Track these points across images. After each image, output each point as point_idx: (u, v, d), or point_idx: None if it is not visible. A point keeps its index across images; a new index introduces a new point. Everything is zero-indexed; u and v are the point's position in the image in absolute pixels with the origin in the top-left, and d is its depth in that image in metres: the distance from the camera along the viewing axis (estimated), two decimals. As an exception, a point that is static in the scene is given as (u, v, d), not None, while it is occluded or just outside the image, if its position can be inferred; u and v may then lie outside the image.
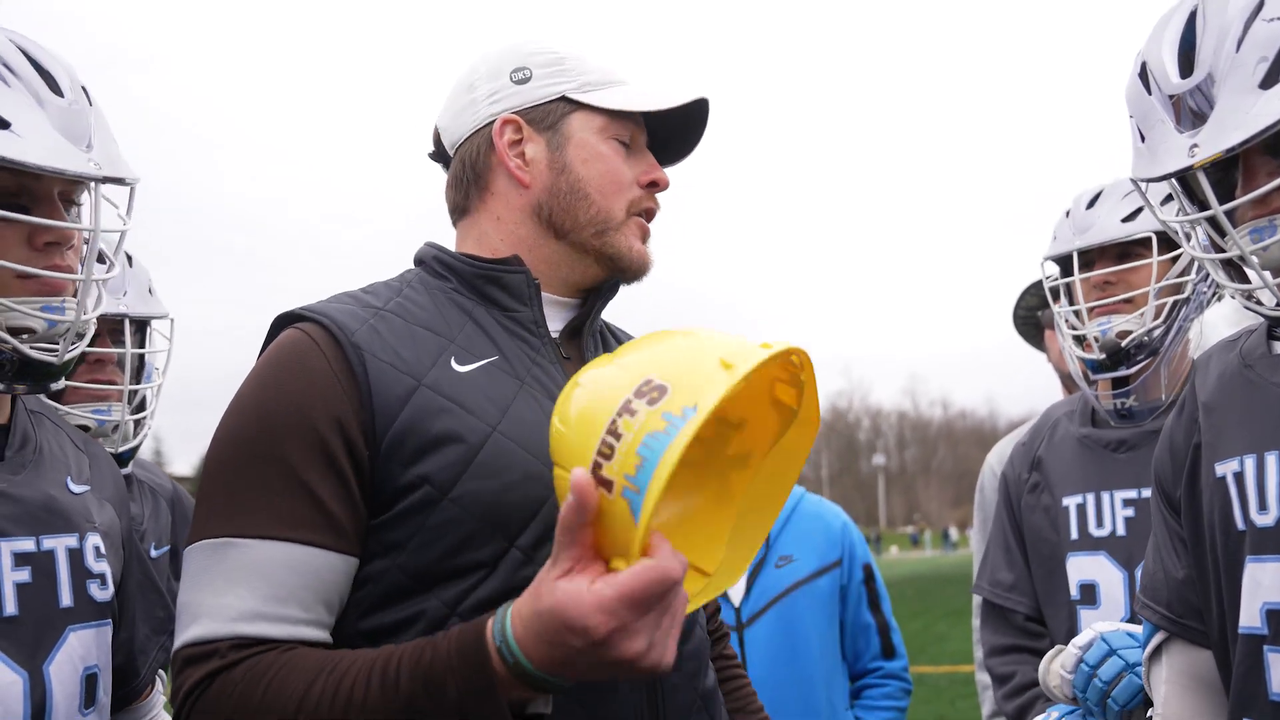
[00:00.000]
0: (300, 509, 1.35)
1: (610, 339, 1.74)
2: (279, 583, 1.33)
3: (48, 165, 1.45)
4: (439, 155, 1.72)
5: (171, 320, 2.54)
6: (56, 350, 1.53)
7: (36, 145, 1.46)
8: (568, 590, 1.16)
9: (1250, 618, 1.38)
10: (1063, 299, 2.43)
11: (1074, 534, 2.36)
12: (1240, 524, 1.40)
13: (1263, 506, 1.36)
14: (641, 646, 1.16)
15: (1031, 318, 3.58)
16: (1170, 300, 2.29)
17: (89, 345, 1.62)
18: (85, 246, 1.55)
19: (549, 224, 1.59)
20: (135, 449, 2.44)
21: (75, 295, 1.54)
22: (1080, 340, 2.37)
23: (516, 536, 1.40)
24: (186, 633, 1.33)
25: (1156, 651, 1.62)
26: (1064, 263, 2.45)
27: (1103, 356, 2.31)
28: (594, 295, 1.65)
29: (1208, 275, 2.12)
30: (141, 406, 2.46)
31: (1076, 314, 2.39)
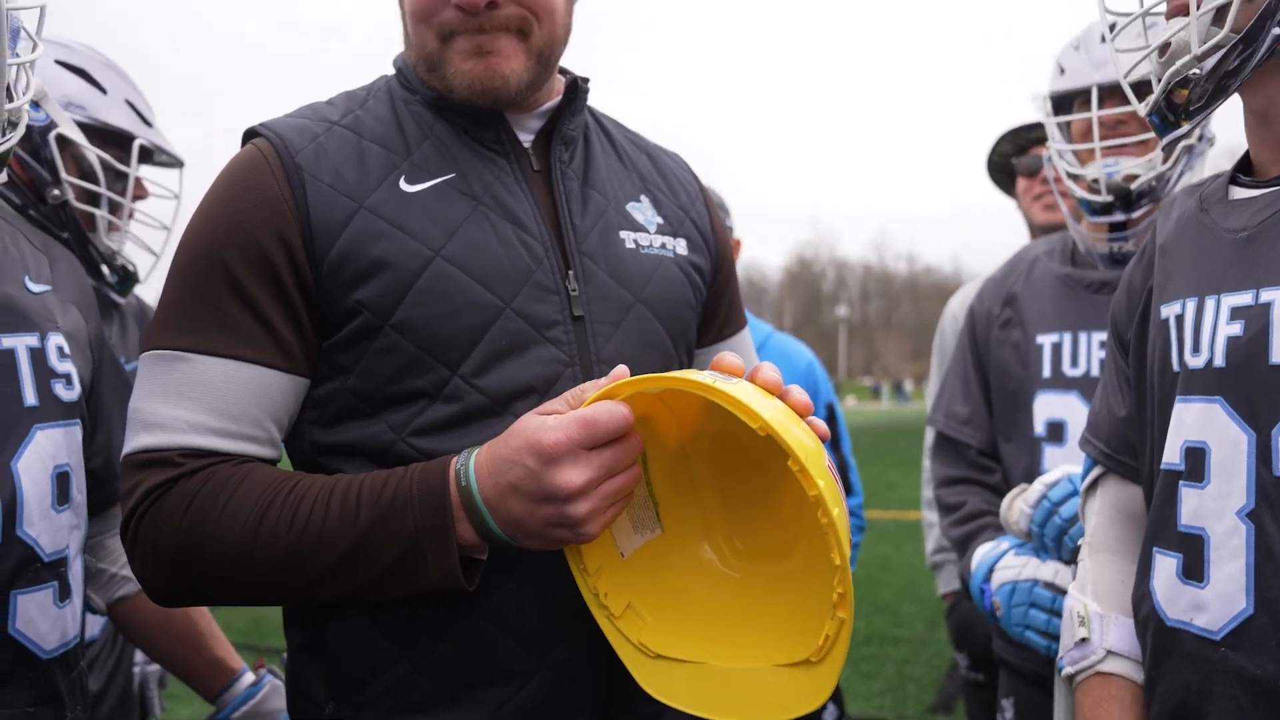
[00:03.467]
0: (248, 327, 1.35)
1: (600, 147, 1.63)
2: (229, 399, 1.34)
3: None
4: None
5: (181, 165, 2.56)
6: None
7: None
8: (532, 413, 1.27)
9: (1171, 454, 1.42)
10: (1059, 136, 2.37)
11: (1046, 372, 2.36)
12: (1175, 365, 1.43)
13: (1196, 349, 1.39)
14: (579, 481, 1.21)
15: (1005, 164, 3.55)
16: (1181, 144, 2.24)
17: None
18: None
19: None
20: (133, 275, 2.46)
21: None
22: (1076, 180, 2.32)
23: (458, 364, 1.38)
24: (137, 439, 1.35)
25: (1092, 485, 1.70)
26: (1069, 100, 2.39)
27: (1109, 198, 2.26)
28: (561, 101, 1.55)
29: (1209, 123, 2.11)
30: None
31: (1078, 154, 2.32)
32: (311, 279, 1.37)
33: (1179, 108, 1.43)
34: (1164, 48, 1.44)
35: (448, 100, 1.49)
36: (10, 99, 1.50)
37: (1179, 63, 1.40)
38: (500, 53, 1.43)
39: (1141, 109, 1.49)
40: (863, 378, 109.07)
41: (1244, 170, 1.51)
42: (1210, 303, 1.39)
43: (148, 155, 2.44)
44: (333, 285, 1.37)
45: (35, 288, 1.61)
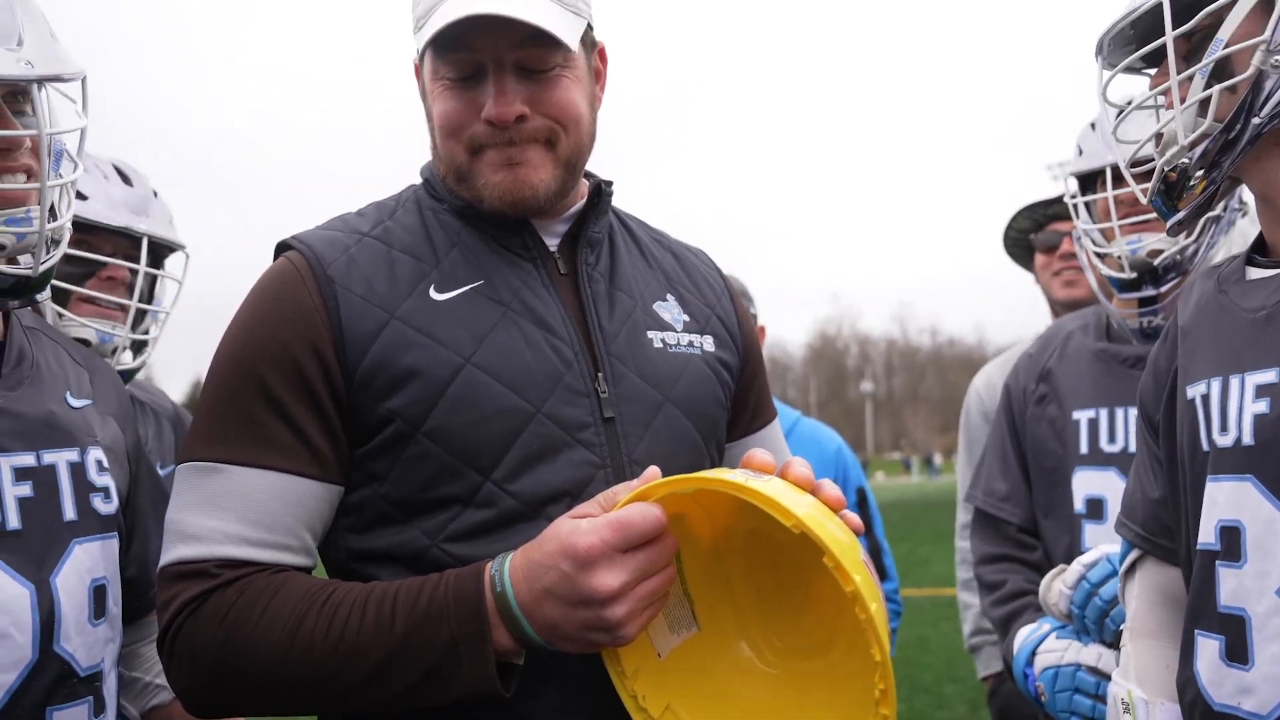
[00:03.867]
0: (282, 437, 1.37)
1: (625, 247, 1.65)
2: (263, 509, 1.36)
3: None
4: None
5: (187, 255, 2.52)
6: (31, 262, 1.50)
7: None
8: (565, 516, 1.29)
9: (1206, 534, 1.42)
10: (1084, 215, 2.39)
11: (1083, 448, 2.34)
12: (1205, 445, 1.44)
13: (1224, 428, 1.40)
14: (615, 584, 1.21)
15: (1023, 240, 3.56)
16: (1202, 219, 2.23)
17: (109, 257, 1.58)
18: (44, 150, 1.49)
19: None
20: (133, 371, 2.43)
21: (39, 202, 1.50)
22: (1103, 258, 2.33)
23: (491, 470, 1.39)
24: (174, 550, 1.36)
25: (1131, 568, 1.68)
26: (1091, 179, 2.41)
27: (1133, 275, 2.27)
28: (585, 204, 1.58)
29: (1237, 194, 2.12)
30: (144, 331, 2.44)
31: (1103, 231, 2.33)
32: (344, 389, 1.39)
33: (1175, 192, 1.48)
34: (1158, 137, 1.50)
35: (476, 209, 1.52)
36: (54, 218, 1.55)
37: (1169, 152, 1.46)
38: (529, 164, 1.47)
39: (1143, 196, 1.53)
40: (891, 452, 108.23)
41: (1259, 251, 1.53)
42: (1235, 381, 1.40)
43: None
44: (365, 395, 1.39)
45: (76, 403, 1.64)
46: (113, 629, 1.63)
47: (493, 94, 1.44)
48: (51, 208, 1.54)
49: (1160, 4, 1.45)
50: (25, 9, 1.50)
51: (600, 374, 1.48)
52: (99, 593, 1.58)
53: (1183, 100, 1.44)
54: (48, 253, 1.53)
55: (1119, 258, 2.28)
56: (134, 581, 1.76)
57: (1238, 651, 1.36)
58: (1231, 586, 1.38)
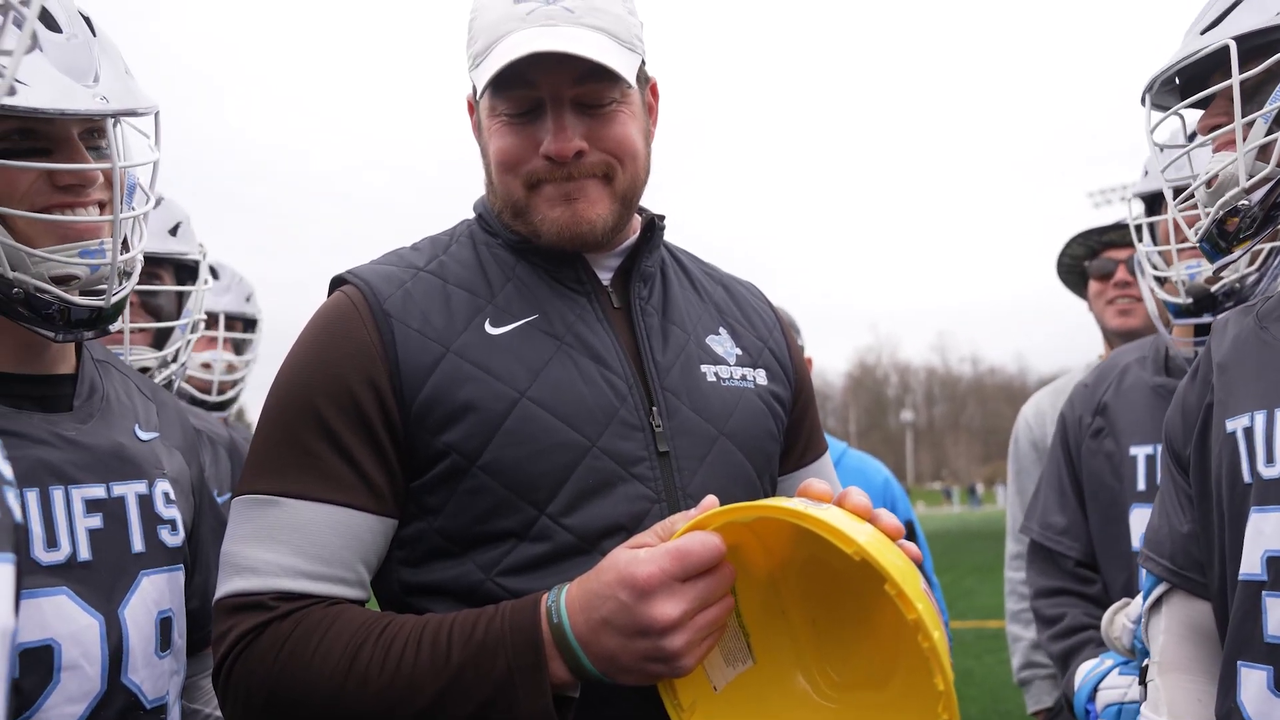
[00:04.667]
0: (338, 470, 1.39)
1: (678, 281, 1.67)
2: (319, 543, 1.37)
3: (50, 108, 1.42)
4: None
5: (203, 257, 2.54)
6: (103, 294, 1.53)
7: (38, 89, 1.43)
8: (622, 547, 1.29)
9: (1251, 565, 1.43)
10: (1146, 238, 2.36)
11: (1141, 484, 2.32)
12: (1247, 477, 1.45)
13: (1270, 459, 1.42)
14: (674, 614, 1.21)
15: (1077, 267, 3.54)
16: (1267, 247, 2.19)
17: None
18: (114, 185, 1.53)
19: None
20: (168, 385, 2.42)
21: (112, 235, 1.52)
22: (1163, 282, 2.30)
23: (546, 504, 1.40)
24: (229, 583, 1.38)
25: (1157, 603, 1.69)
26: (1155, 200, 2.40)
27: (1189, 301, 2.24)
28: (638, 239, 1.60)
29: None
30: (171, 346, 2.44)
31: (1163, 255, 2.30)
32: (400, 422, 1.41)
33: (1230, 235, 1.51)
34: (1211, 179, 1.52)
35: (531, 244, 1.54)
36: (126, 249, 1.58)
37: (1229, 194, 1.48)
38: (586, 198, 1.49)
39: (1192, 236, 1.54)
40: (932, 482, 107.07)
41: None
42: None
43: None
44: (421, 428, 1.41)
45: (144, 435, 1.67)
46: (177, 661, 1.65)
47: (552, 130, 1.46)
48: (124, 240, 1.58)
49: (1225, 48, 1.48)
50: (102, 46, 1.55)
51: (655, 408, 1.49)
52: (165, 625, 1.60)
53: (1244, 141, 1.46)
54: (120, 284, 1.56)
55: (1178, 283, 2.25)
56: (196, 614, 1.78)
57: None
58: None
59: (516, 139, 1.49)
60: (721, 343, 1.64)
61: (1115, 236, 3.25)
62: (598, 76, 1.45)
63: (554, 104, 1.47)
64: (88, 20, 1.55)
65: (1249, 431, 1.46)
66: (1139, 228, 2.39)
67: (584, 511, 1.41)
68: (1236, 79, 1.46)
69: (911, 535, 3.19)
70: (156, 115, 1.62)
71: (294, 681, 1.31)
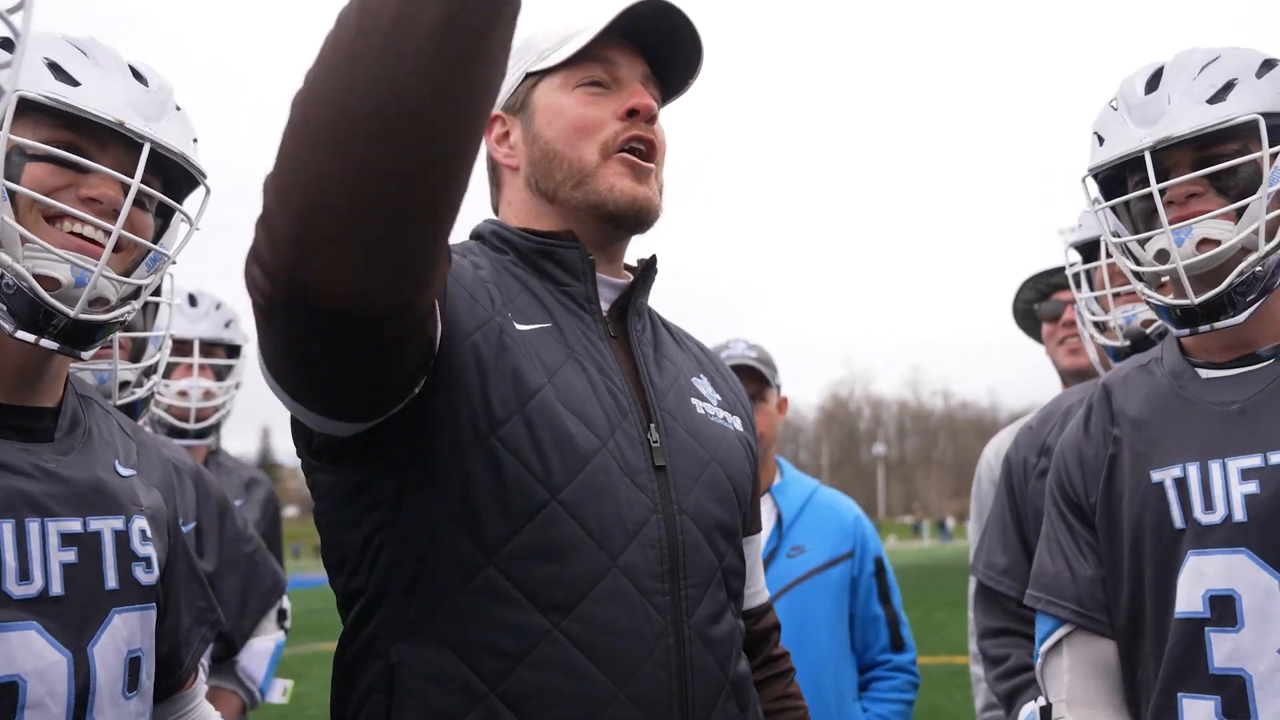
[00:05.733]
0: None
1: (661, 328, 1.73)
2: None
3: (102, 114, 1.49)
4: None
5: (172, 274, 2.50)
6: (75, 302, 1.49)
7: (96, 98, 1.50)
8: None
9: (1191, 603, 1.57)
10: (1085, 286, 2.46)
11: None
12: (1179, 523, 1.60)
13: (1209, 507, 1.56)
14: None
15: (1030, 311, 3.60)
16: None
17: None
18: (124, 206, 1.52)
19: (539, 192, 1.61)
20: (146, 400, 2.38)
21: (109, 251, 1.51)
22: (1102, 327, 2.39)
23: (559, 490, 1.39)
24: None
25: (1057, 645, 1.78)
26: (1088, 249, 2.49)
27: (1127, 344, 2.33)
28: (638, 274, 1.66)
29: None
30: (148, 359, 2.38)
31: (1099, 300, 2.40)
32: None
33: (1219, 307, 1.62)
34: (1203, 243, 1.62)
35: (548, 251, 1.58)
36: (133, 291, 1.62)
37: (1250, 258, 1.60)
38: (648, 183, 1.59)
39: (1193, 297, 1.63)
40: (903, 516, 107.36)
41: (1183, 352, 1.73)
42: (1215, 466, 1.57)
43: None
44: (448, 381, 1.38)
45: (124, 471, 1.66)
46: (144, 703, 1.62)
47: (636, 92, 1.59)
48: (127, 273, 1.59)
49: (1255, 121, 1.59)
50: (182, 121, 1.65)
51: (653, 425, 1.52)
52: (134, 665, 1.58)
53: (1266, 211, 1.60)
54: (89, 306, 1.52)
55: (1115, 327, 2.34)
56: (166, 659, 1.75)
57: (1237, 709, 1.51)
58: (1227, 650, 1.52)
59: (595, 107, 1.58)
60: (704, 385, 1.70)
61: (1062, 279, 3.31)
62: (664, 78, 1.66)
63: (638, 79, 1.61)
64: (178, 107, 1.65)
65: (1180, 481, 1.60)
66: (1076, 276, 2.47)
67: (592, 505, 1.40)
68: (1267, 152, 1.58)
69: (880, 572, 3.22)
70: (207, 190, 1.70)
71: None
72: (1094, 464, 1.74)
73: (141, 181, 1.52)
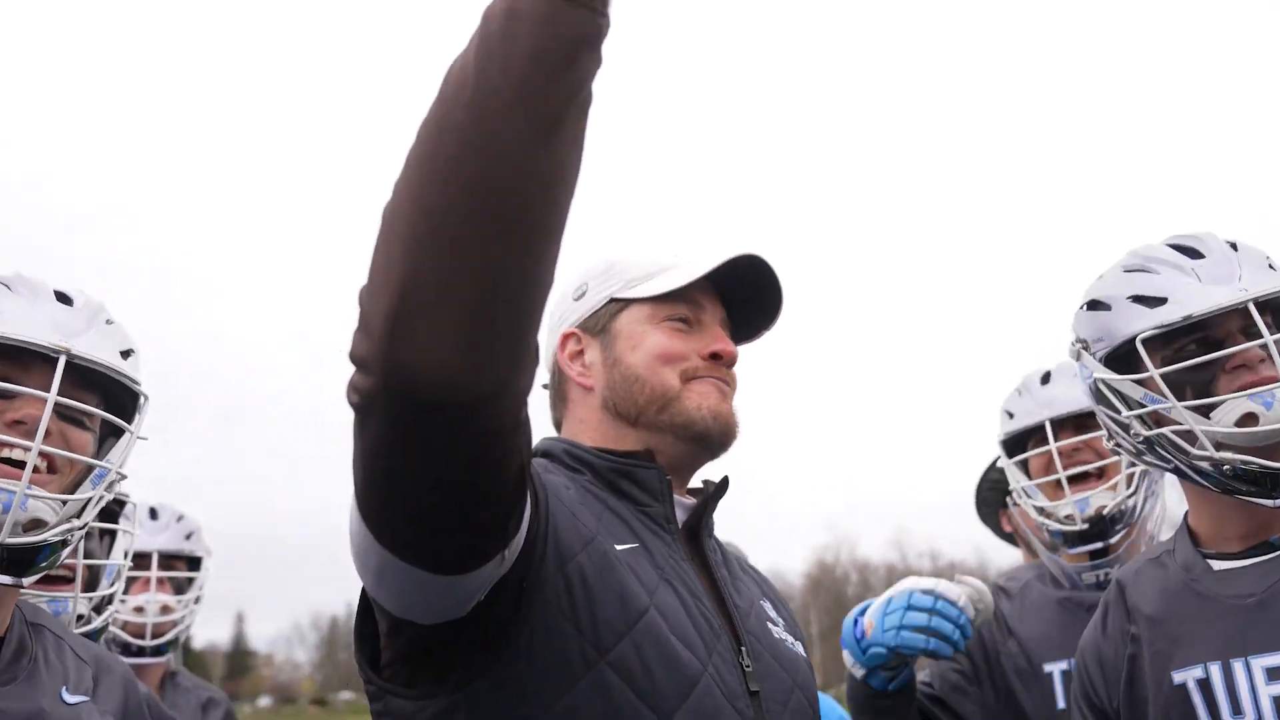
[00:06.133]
0: None
1: (721, 548, 1.71)
2: None
3: (16, 336, 1.49)
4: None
5: (134, 505, 2.48)
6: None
7: (15, 325, 1.50)
8: None
9: None
10: (1020, 477, 2.44)
11: (1060, 702, 2.30)
12: None
13: (1236, 710, 1.52)
14: None
15: (997, 499, 3.52)
16: (1139, 469, 2.33)
17: None
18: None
19: (620, 415, 1.61)
20: (101, 630, 2.33)
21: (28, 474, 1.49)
22: (1047, 515, 2.38)
23: (669, 717, 1.34)
24: None
25: None
26: (1022, 439, 2.46)
27: (1084, 527, 2.32)
28: (706, 495, 1.65)
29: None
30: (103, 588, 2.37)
31: (1043, 489, 2.38)
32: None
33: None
34: (1244, 419, 1.61)
35: (626, 472, 1.56)
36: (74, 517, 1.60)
37: None
38: (730, 400, 1.63)
39: (1211, 452, 1.63)
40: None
41: (1194, 541, 1.70)
42: (1238, 665, 1.53)
43: None
44: (557, 605, 1.34)
45: (71, 699, 1.60)
46: None
47: (720, 336, 1.66)
48: (73, 506, 1.57)
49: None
50: (113, 332, 1.66)
51: (743, 648, 1.49)
52: None
53: None
54: (28, 531, 1.49)
55: (1067, 516, 2.33)
56: None
57: None
58: None
59: (679, 340, 1.63)
60: (770, 609, 1.69)
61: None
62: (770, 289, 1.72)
63: (718, 323, 1.69)
64: (110, 321, 1.66)
65: (1204, 683, 1.55)
66: (1009, 469, 2.47)
67: None
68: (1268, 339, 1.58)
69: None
70: (144, 397, 1.68)
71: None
72: (1114, 663, 1.70)
73: (70, 397, 1.51)
